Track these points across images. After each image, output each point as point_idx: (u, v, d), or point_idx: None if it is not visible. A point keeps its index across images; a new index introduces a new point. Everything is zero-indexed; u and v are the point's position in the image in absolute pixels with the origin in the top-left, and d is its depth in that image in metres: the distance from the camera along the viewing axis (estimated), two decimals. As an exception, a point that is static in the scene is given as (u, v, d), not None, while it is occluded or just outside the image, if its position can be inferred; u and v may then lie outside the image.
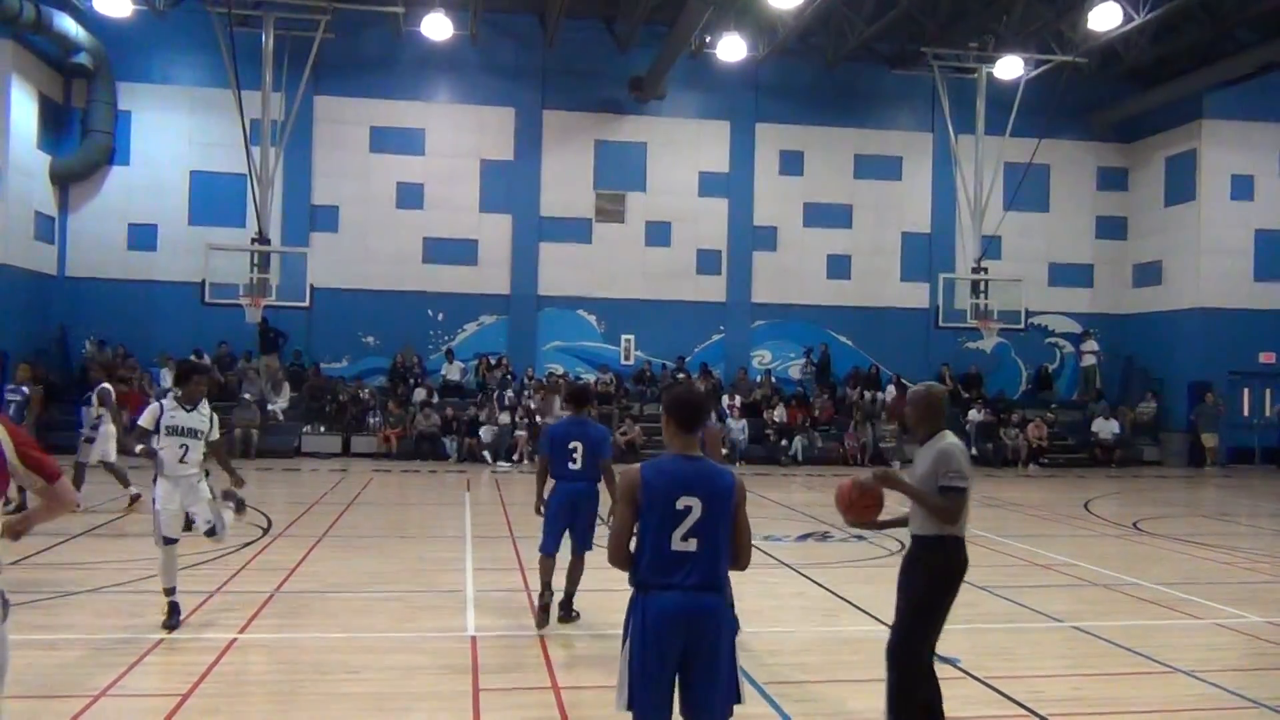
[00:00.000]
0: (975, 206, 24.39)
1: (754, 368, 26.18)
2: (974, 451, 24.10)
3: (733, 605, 4.26)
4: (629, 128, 25.99)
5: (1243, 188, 25.65)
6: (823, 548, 11.97)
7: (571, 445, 7.74)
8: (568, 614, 7.94)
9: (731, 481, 3.98)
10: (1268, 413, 25.86)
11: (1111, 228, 28.06)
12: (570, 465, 7.74)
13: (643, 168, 26.08)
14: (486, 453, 22.25)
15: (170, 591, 7.49)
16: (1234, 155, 25.55)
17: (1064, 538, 13.23)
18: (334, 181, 24.94)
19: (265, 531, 12.03)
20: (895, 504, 5.23)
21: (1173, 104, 25.64)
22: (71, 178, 23.82)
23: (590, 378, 24.35)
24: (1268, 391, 25.91)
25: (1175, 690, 6.62)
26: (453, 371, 24.76)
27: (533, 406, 23.22)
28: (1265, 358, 25.59)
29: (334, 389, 23.78)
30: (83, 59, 23.03)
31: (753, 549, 4.17)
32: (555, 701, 6.05)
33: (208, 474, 7.85)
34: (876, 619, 8.28)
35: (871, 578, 10.34)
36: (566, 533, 7.86)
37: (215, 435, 7.78)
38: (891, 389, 25.45)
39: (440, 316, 25.41)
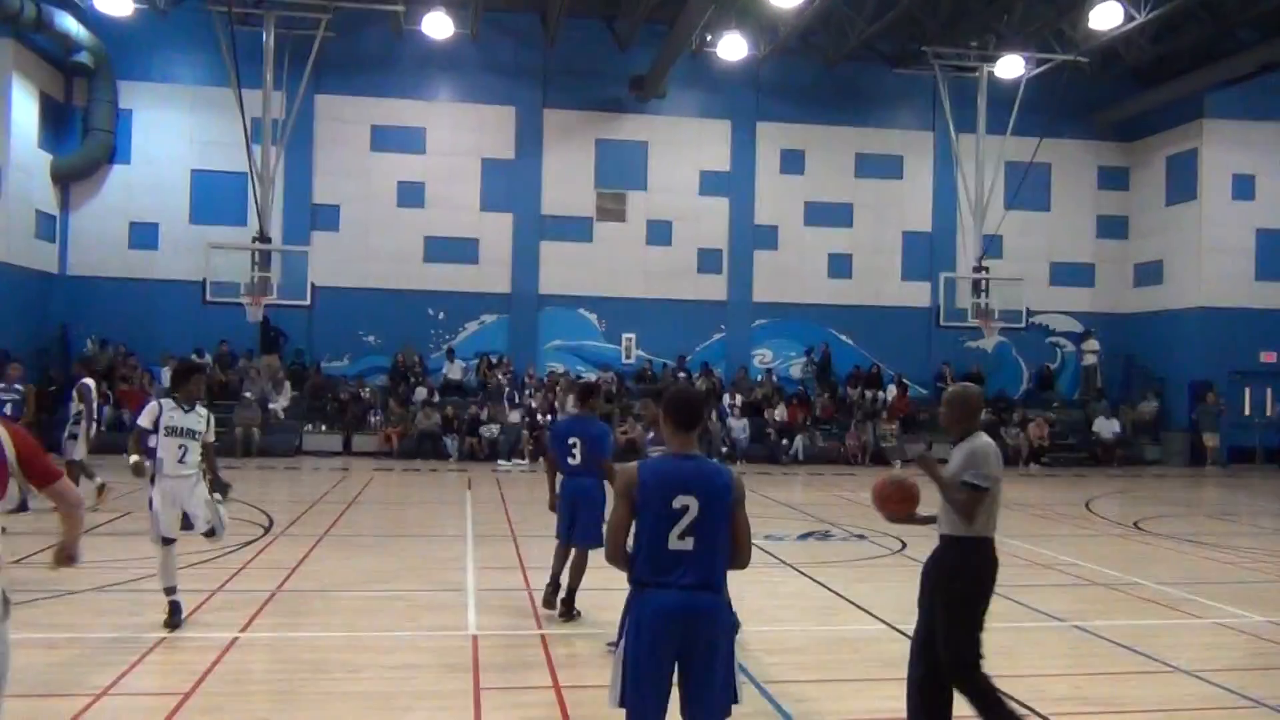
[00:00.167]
0: (976, 205, 24.37)
1: (755, 367, 26.18)
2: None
3: (729, 604, 4.27)
4: (630, 126, 25.99)
5: (1244, 187, 25.64)
6: (823, 547, 11.97)
7: (571, 441, 7.96)
8: (569, 612, 7.95)
9: (729, 480, 3.98)
10: (1269, 412, 25.85)
11: (1112, 227, 28.04)
12: (570, 461, 7.98)
13: (644, 167, 26.07)
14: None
15: (171, 591, 7.49)
16: (1235, 155, 25.54)
17: (1065, 537, 13.23)
18: (335, 180, 24.94)
19: (266, 530, 12.04)
20: (930, 503, 5.23)
21: (1174, 103, 25.62)
22: (72, 176, 23.83)
23: (591, 377, 24.34)
24: (1269, 391, 25.90)
25: (1176, 690, 6.62)
26: (454, 370, 24.77)
27: (534, 405, 23.24)
28: (1266, 357, 25.58)
29: (335, 388, 23.80)
30: (84, 57, 23.03)
31: (753, 548, 4.16)
32: (556, 700, 6.06)
33: (205, 475, 7.84)
34: (877, 618, 8.29)
35: (872, 577, 10.35)
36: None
37: (211, 437, 7.76)
38: (892, 388, 25.47)
39: (441, 315, 25.41)
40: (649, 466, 4.02)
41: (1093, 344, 26.98)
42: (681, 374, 24.80)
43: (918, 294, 26.88)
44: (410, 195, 25.25)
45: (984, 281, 23.69)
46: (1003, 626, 8.25)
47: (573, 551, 7.99)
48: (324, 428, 23.09)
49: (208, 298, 20.97)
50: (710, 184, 26.26)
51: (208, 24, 21.33)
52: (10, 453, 3.74)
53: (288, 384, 23.51)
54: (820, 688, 6.58)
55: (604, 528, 4.53)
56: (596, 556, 7.38)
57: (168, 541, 7.46)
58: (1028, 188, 25.19)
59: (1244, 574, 11.02)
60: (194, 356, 22.28)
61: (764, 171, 26.48)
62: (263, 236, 21.19)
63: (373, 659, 6.84)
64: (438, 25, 22.68)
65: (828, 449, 24.02)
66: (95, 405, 13.89)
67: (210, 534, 7.71)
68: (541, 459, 22.08)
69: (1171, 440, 25.70)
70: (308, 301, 21.63)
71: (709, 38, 24.34)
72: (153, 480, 7.47)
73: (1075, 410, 26.45)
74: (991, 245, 24.32)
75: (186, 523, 7.66)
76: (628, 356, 25.90)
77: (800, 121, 26.59)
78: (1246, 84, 24.54)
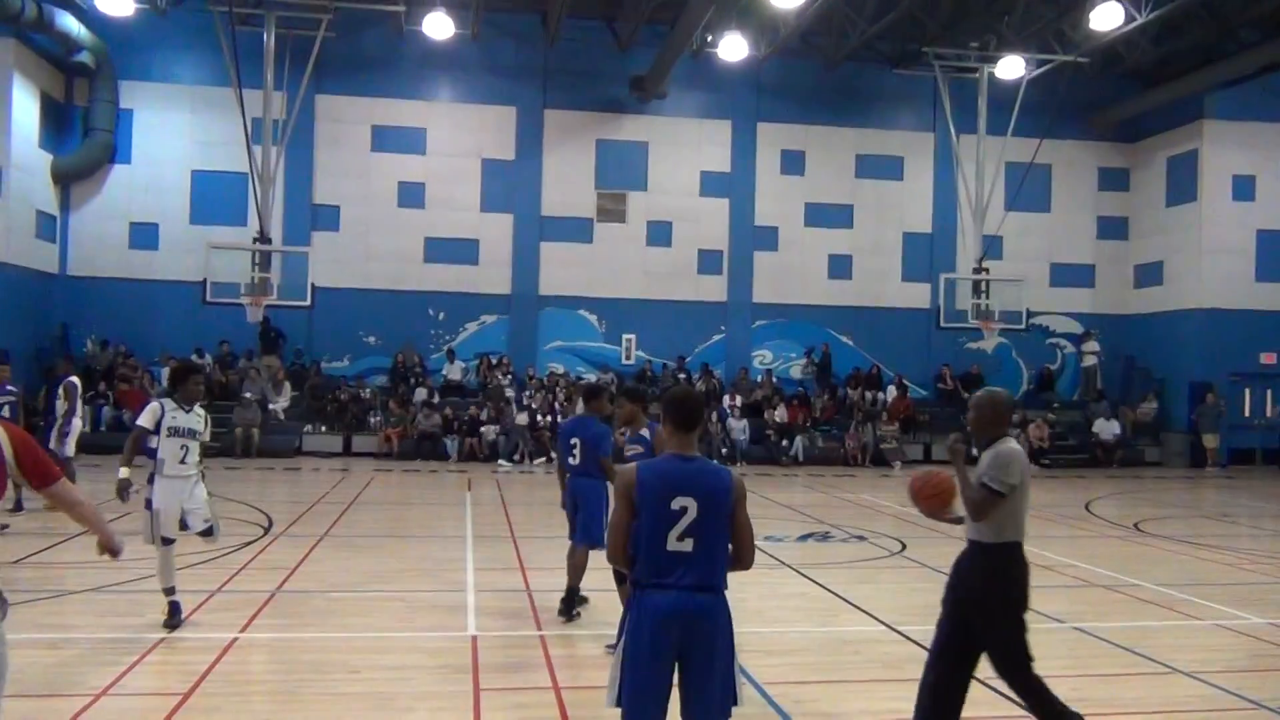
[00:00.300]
0: (976, 206, 24.37)
1: (755, 367, 26.17)
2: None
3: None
4: (630, 127, 25.99)
5: (1244, 188, 25.64)
6: (823, 548, 11.97)
7: (572, 441, 8.08)
8: (568, 611, 7.99)
9: (729, 481, 3.97)
10: (1269, 413, 25.85)
11: (1113, 228, 28.04)
12: (571, 460, 8.08)
13: (644, 167, 26.07)
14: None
15: (170, 591, 7.49)
16: (1236, 156, 25.53)
17: (1065, 538, 13.22)
18: (335, 180, 24.95)
19: (266, 531, 12.04)
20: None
21: (1174, 104, 25.61)
22: (73, 176, 23.83)
23: (591, 377, 24.34)
24: (1269, 392, 25.90)
25: (1176, 691, 6.62)
26: (454, 371, 24.77)
27: (534, 406, 23.24)
28: (1266, 358, 25.57)
29: (335, 388, 23.80)
30: (84, 57, 23.03)
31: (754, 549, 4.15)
32: (556, 701, 6.05)
33: (203, 475, 7.84)
34: (877, 619, 8.29)
35: (872, 578, 10.36)
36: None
37: (207, 436, 7.77)
38: (892, 389, 25.46)
39: (441, 316, 25.41)
40: (648, 467, 4.02)
41: (1093, 345, 26.96)
42: (681, 375, 24.80)
43: (918, 295, 26.87)
44: (411, 196, 25.25)
45: (984, 282, 23.68)
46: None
47: (574, 550, 8.06)
48: (324, 428, 23.10)
49: (208, 298, 20.96)
50: (710, 185, 26.26)
51: (208, 24, 21.33)
52: (9, 454, 3.73)
53: (288, 384, 23.51)
54: (820, 689, 6.58)
55: (605, 528, 4.54)
56: (598, 557, 7.41)
57: (167, 542, 7.45)
58: (1028, 188, 25.18)
59: (1244, 575, 11.02)
60: (194, 357, 22.31)
61: (764, 172, 26.47)
62: (263, 237, 21.18)
63: (372, 659, 6.84)
64: (438, 25, 22.68)
65: (828, 450, 24.01)
66: (76, 403, 13.83)
67: (208, 533, 7.71)
68: (538, 459, 22.31)
69: (1171, 441, 25.70)
70: (308, 302, 21.61)
71: (709, 38, 24.34)
72: (151, 480, 7.47)
73: (1075, 411, 26.44)
74: (992, 246, 24.31)
75: (182, 523, 7.66)
76: (628, 357, 25.89)
77: (801, 122, 26.59)
78: (1247, 85, 24.53)
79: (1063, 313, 27.67)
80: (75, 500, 4.00)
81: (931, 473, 5.30)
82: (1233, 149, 25.47)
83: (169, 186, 24.29)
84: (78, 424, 13.71)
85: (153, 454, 7.49)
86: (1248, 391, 25.83)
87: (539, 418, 22.82)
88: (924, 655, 7.19)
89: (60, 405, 13.47)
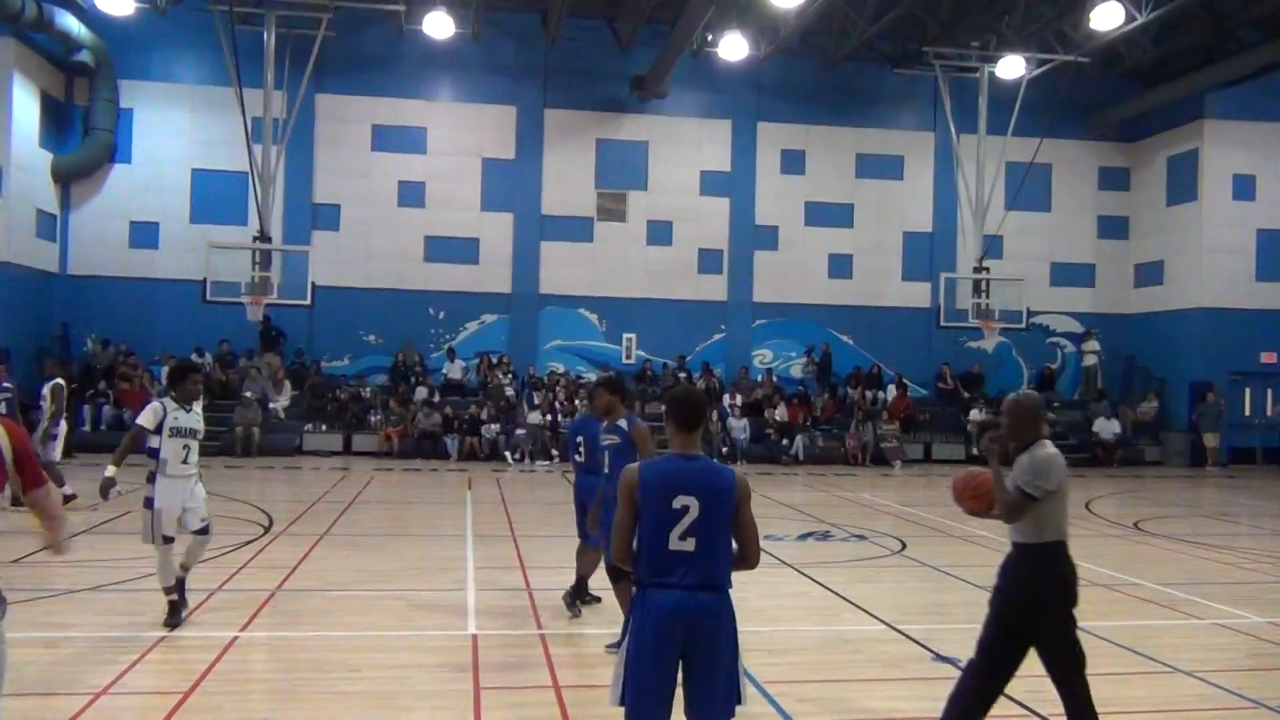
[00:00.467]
0: (977, 206, 24.36)
1: (755, 367, 26.17)
2: (975, 451, 24.17)
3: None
4: (630, 126, 25.99)
5: (1244, 188, 25.64)
6: (823, 547, 11.97)
7: (578, 440, 8.19)
8: (571, 604, 8.08)
9: (731, 481, 3.97)
10: (1269, 413, 25.86)
11: (1113, 227, 28.04)
12: (576, 458, 8.21)
13: (644, 166, 26.07)
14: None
15: (170, 590, 7.49)
16: (1236, 155, 25.54)
17: (1065, 538, 13.19)
18: (335, 180, 24.95)
19: (266, 530, 12.04)
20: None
21: (1175, 104, 25.61)
22: (73, 175, 23.83)
23: (591, 377, 24.32)
24: (1269, 391, 25.91)
25: (1175, 690, 6.62)
26: (454, 370, 24.77)
27: (535, 404, 23.24)
28: (1267, 358, 25.57)
29: (335, 387, 23.80)
30: (85, 57, 23.03)
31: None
32: (556, 700, 6.05)
33: (200, 475, 7.85)
34: (877, 618, 8.29)
35: (872, 577, 10.36)
36: None
37: (201, 435, 7.78)
38: (892, 389, 25.46)
39: (441, 315, 25.41)
40: (650, 466, 4.02)
41: (1093, 344, 26.97)
42: (682, 374, 24.81)
43: (918, 294, 26.87)
44: (411, 195, 25.25)
45: (984, 282, 23.67)
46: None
47: (584, 549, 8.18)
48: (324, 427, 23.09)
49: (208, 297, 20.95)
50: (711, 184, 26.26)
51: (209, 23, 21.32)
52: (8, 452, 3.73)
53: (288, 383, 23.52)
54: (820, 688, 6.58)
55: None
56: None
57: (168, 540, 7.45)
58: (1028, 188, 25.17)
59: (1244, 574, 11.02)
60: (194, 356, 22.34)
61: (764, 172, 26.47)
62: (263, 236, 21.18)
63: (372, 658, 6.84)
64: (439, 25, 22.67)
65: (828, 449, 24.01)
66: (62, 406, 13.81)
67: (203, 532, 7.70)
68: (539, 460, 22.33)
69: (1172, 441, 25.70)
70: (308, 301, 21.61)
71: (710, 38, 24.33)
72: (151, 479, 7.47)
73: (1075, 411, 26.43)
74: (992, 246, 24.31)
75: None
76: (628, 356, 25.89)
77: (801, 122, 26.59)
78: (1247, 84, 24.53)
79: (1063, 312, 27.66)
80: (53, 514, 3.97)
81: (974, 472, 5.27)
82: (1233, 149, 25.48)
83: (169, 186, 24.29)
84: (64, 427, 13.68)
85: (152, 454, 7.48)
86: (1248, 391, 25.84)
87: (544, 417, 22.84)
88: (923, 654, 7.24)
89: (48, 407, 13.42)
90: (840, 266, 26.80)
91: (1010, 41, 23.84)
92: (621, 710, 3.91)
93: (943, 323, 24.31)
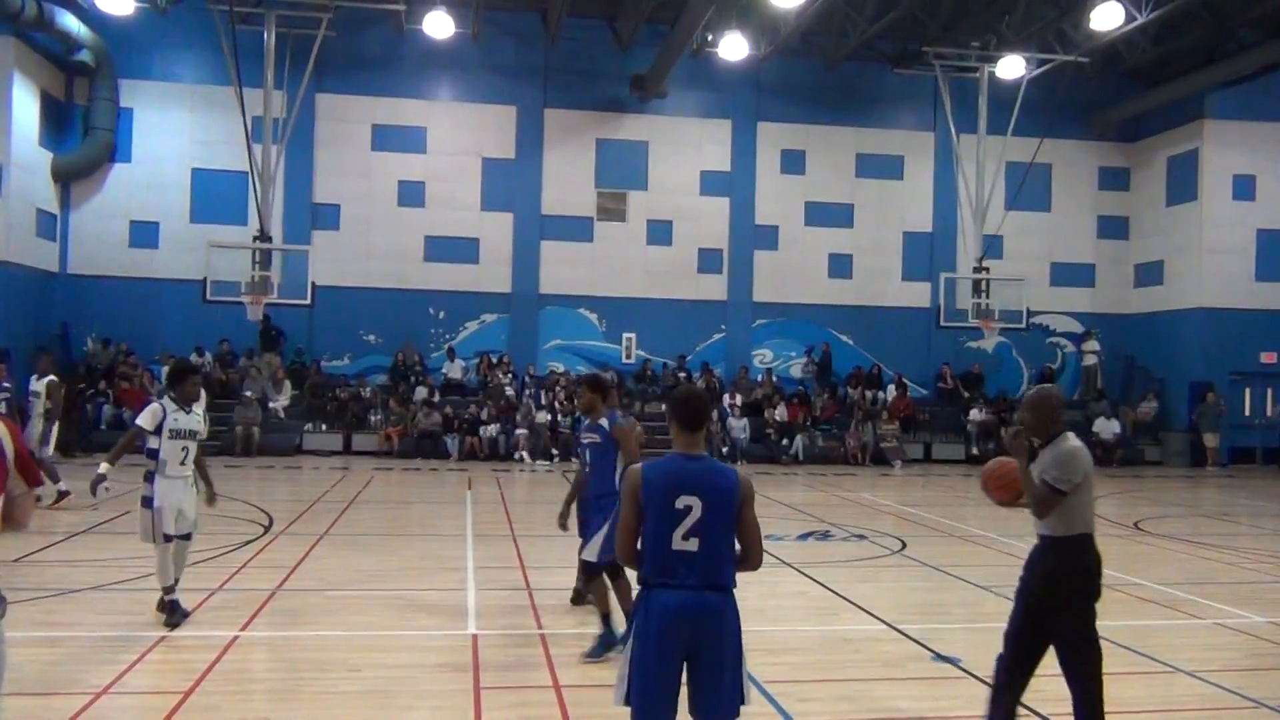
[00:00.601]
0: (977, 206, 24.36)
1: (755, 366, 26.17)
2: (975, 450, 24.20)
3: None
4: (630, 126, 25.99)
5: (1244, 188, 25.65)
6: (823, 547, 11.97)
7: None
8: (580, 599, 8.19)
9: (734, 481, 3.97)
10: (1269, 413, 25.86)
11: (1113, 227, 28.04)
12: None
13: (644, 166, 26.07)
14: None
15: (169, 590, 7.49)
16: (1236, 155, 25.54)
17: (1065, 537, 13.19)
18: (335, 179, 24.95)
19: (266, 530, 12.04)
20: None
21: (1175, 104, 25.62)
22: (73, 175, 23.83)
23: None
24: (1269, 391, 25.92)
25: (1176, 690, 6.63)
26: (454, 370, 24.77)
27: (533, 405, 23.24)
28: (1266, 358, 25.58)
29: (335, 387, 23.80)
30: (85, 56, 23.03)
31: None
32: (556, 700, 6.05)
33: (196, 478, 7.86)
34: (877, 618, 8.29)
35: (872, 577, 10.36)
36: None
37: (204, 434, 7.78)
38: (892, 389, 25.46)
39: (441, 315, 25.41)
40: (654, 467, 4.02)
41: (1093, 344, 26.97)
42: (682, 374, 24.81)
43: (918, 294, 26.87)
44: (411, 194, 25.25)
45: (984, 282, 23.66)
46: (1002, 626, 8.25)
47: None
48: (324, 427, 23.09)
49: (208, 297, 20.95)
50: (711, 184, 26.26)
51: (209, 23, 21.32)
52: (10, 451, 3.74)
53: (288, 383, 23.52)
54: (820, 687, 6.58)
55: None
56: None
57: (168, 539, 7.46)
58: (1028, 188, 25.17)
59: (1244, 574, 11.02)
60: (194, 355, 22.37)
61: (764, 171, 26.47)
62: (263, 235, 21.18)
63: (373, 658, 6.84)
64: (439, 24, 22.67)
65: (828, 449, 24.01)
66: (60, 403, 13.78)
67: (186, 536, 7.69)
68: (539, 459, 22.32)
69: (1172, 441, 25.70)
70: (308, 300, 21.61)
71: (710, 38, 24.32)
72: (149, 479, 7.47)
73: (1075, 411, 26.36)
74: (992, 246, 24.31)
75: None
76: (628, 356, 25.89)
77: (801, 121, 26.58)
78: (1247, 84, 24.54)
79: (1063, 312, 27.67)
80: (22, 522, 3.92)
81: (1001, 462, 5.29)
82: (1233, 149, 25.48)
83: (169, 185, 24.29)
84: (57, 425, 13.66)
85: (150, 454, 7.50)
86: (1248, 391, 25.85)
87: (545, 417, 22.84)
88: (924, 654, 7.24)
89: (42, 404, 13.36)
90: (840, 266, 26.80)
91: (1010, 41, 23.84)
92: (625, 710, 3.91)
93: (943, 323, 24.31)
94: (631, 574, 4.18)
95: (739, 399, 24.33)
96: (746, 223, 26.30)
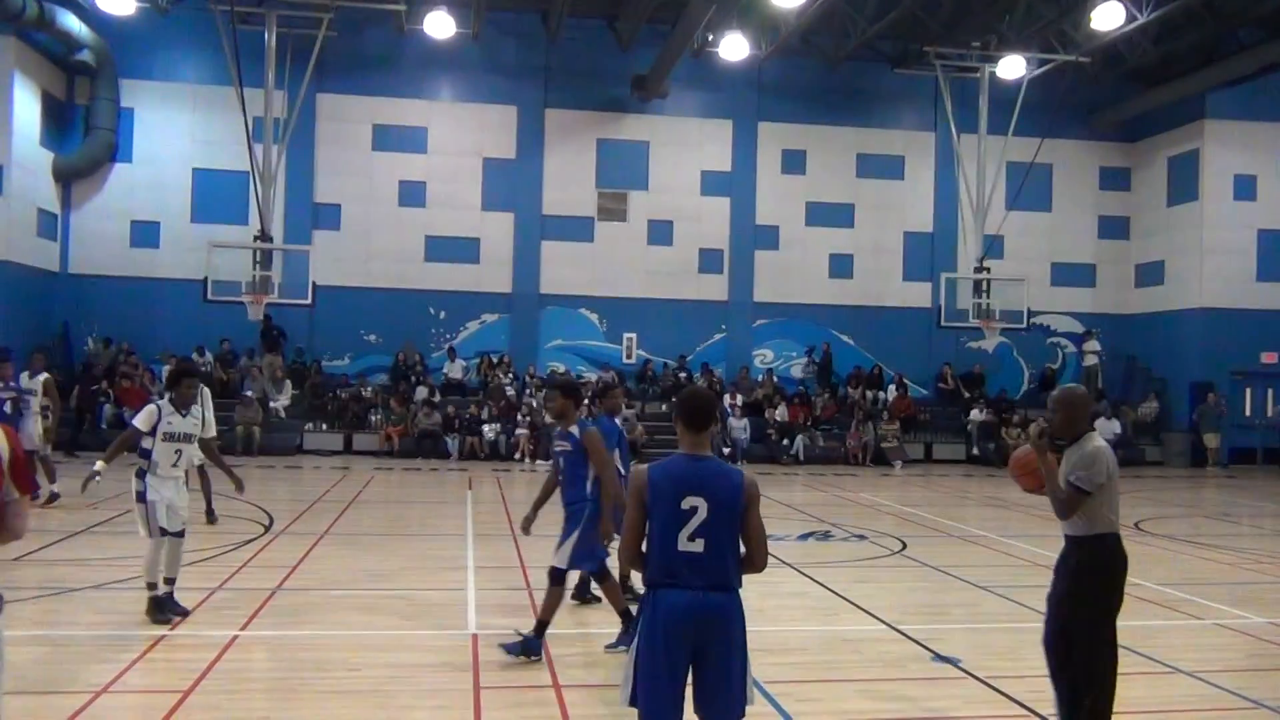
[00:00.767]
0: (977, 206, 24.36)
1: (756, 367, 26.17)
2: (975, 451, 24.20)
3: None
4: (631, 126, 25.99)
5: (1245, 188, 25.63)
6: (823, 547, 11.97)
7: None
8: (582, 595, 8.20)
9: (740, 482, 3.96)
10: (1269, 413, 25.83)
11: (1114, 227, 28.03)
12: None
13: (645, 166, 26.07)
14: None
15: (153, 586, 7.51)
16: (1237, 155, 25.53)
17: (1065, 538, 13.20)
18: (336, 179, 24.95)
19: (266, 529, 12.04)
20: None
21: (1175, 104, 25.60)
22: (74, 175, 23.84)
23: (592, 377, 24.35)
24: (1270, 391, 25.88)
25: (1176, 690, 6.62)
26: (455, 370, 24.77)
27: (534, 405, 23.22)
28: (1267, 358, 25.56)
29: (336, 387, 23.80)
30: (86, 56, 23.03)
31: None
32: (556, 700, 6.05)
33: (186, 478, 7.88)
34: (877, 618, 8.29)
35: (872, 577, 10.36)
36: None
37: (211, 433, 7.79)
38: (893, 389, 25.46)
39: (442, 315, 25.41)
40: (659, 468, 4.01)
41: (1094, 344, 26.92)
42: (682, 374, 24.81)
43: (919, 294, 26.86)
44: (412, 194, 25.25)
45: (985, 282, 23.66)
46: (1003, 626, 8.27)
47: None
48: (325, 427, 23.09)
49: (209, 296, 20.96)
50: (711, 184, 26.25)
51: (210, 23, 21.32)
52: (6, 455, 3.72)
53: (288, 383, 23.52)
54: (820, 688, 6.58)
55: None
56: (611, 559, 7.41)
57: (164, 533, 7.49)
58: (1029, 188, 25.16)
59: (1244, 575, 11.02)
60: (195, 355, 22.37)
61: (765, 171, 26.47)
62: (264, 235, 21.19)
63: (373, 657, 6.84)
64: (440, 25, 22.68)
65: (828, 449, 24.00)
66: (57, 399, 13.78)
67: (179, 534, 7.71)
68: (534, 458, 22.29)
69: (1172, 441, 25.68)
70: (309, 300, 21.63)
71: (710, 38, 24.32)
72: (141, 476, 7.51)
73: (1076, 411, 26.37)
74: (993, 246, 24.30)
75: None
76: (628, 356, 25.89)
77: (802, 122, 26.57)
78: (1248, 84, 24.52)
79: (1064, 312, 27.66)
80: (16, 530, 3.89)
81: (1029, 449, 5.30)
82: (1233, 149, 25.47)
83: (170, 185, 24.30)
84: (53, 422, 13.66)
85: (143, 454, 7.56)
86: (1249, 391, 25.82)
87: (546, 417, 22.80)
88: (923, 654, 7.24)
89: (39, 400, 13.34)
90: (841, 266, 26.79)
91: (1011, 41, 23.83)
92: (620, 710, 3.91)
93: (943, 323, 24.31)
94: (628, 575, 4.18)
95: (740, 399, 24.32)
96: (747, 223, 26.30)
